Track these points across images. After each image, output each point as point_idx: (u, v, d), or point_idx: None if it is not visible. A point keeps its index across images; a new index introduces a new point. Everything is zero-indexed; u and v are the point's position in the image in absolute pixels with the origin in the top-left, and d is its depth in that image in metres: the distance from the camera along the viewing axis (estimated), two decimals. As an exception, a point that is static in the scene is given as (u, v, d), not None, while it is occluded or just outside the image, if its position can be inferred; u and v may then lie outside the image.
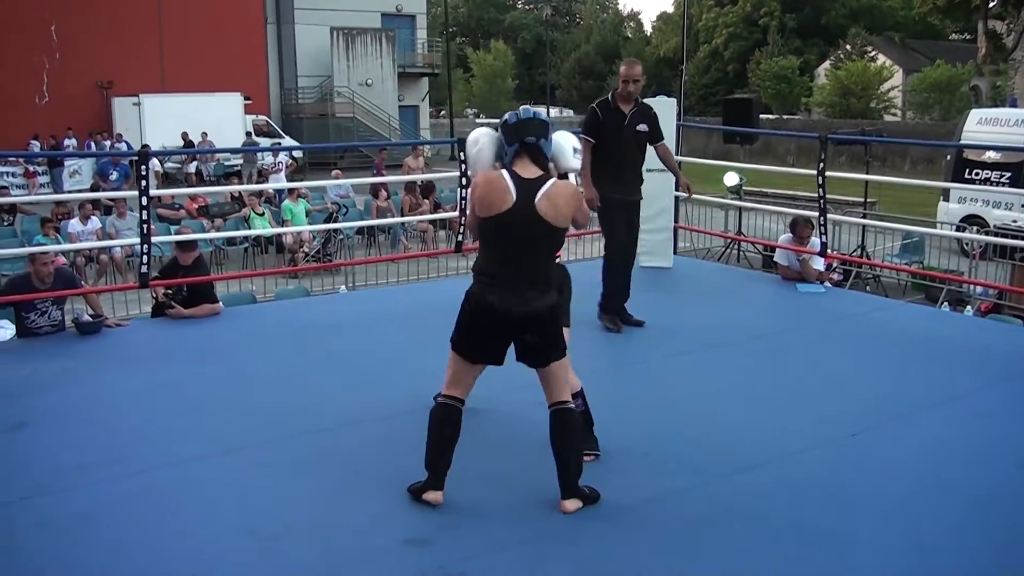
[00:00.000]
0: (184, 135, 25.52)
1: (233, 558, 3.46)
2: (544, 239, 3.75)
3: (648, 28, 70.79)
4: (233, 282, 10.09)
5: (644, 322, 6.59)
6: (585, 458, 3.92)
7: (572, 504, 3.73)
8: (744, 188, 14.65)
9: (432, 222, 14.92)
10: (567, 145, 4.04)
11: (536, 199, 3.67)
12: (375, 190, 16.61)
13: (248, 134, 28.20)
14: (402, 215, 15.14)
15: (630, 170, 6.66)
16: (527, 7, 76.48)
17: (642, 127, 6.57)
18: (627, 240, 6.76)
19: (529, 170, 3.76)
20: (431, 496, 3.77)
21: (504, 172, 3.75)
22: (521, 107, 4.10)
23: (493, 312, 3.69)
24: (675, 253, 9.26)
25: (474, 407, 4.16)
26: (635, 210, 6.81)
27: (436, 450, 3.80)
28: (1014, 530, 3.69)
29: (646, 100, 7.19)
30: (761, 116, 21.73)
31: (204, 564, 3.41)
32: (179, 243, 7.29)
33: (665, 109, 8.59)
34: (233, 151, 26.77)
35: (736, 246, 13.63)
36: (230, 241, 13.88)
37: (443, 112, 50.13)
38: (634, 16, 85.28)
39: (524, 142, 3.77)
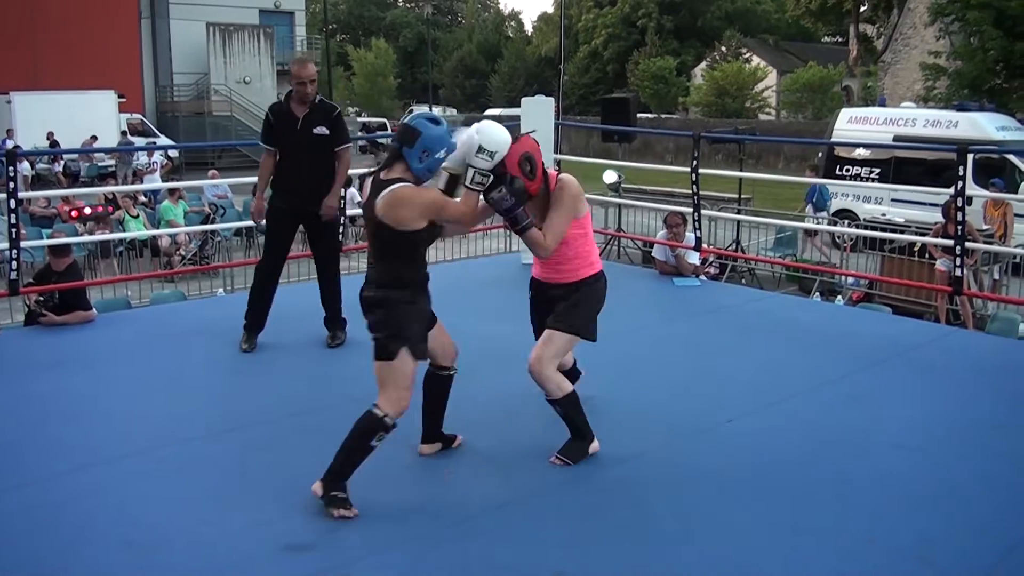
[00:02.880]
0: (49, 135, 24.63)
1: (110, 572, 3.36)
2: (376, 238, 3.84)
3: (529, 28, 71.37)
4: (107, 287, 9.79)
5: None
6: (558, 461, 4.24)
7: (318, 487, 3.80)
8: (623, 185, 14.89)
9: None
10: (472, 144, 3.89)
11: (377, 199, 3.74)
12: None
13: (123, 133, 27.39)
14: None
15: (305, 178, 5.99)
16: (408, 5, 76.16)
17: (320, 130, 5.92)
18: (275, 260, 6.28)
19: (392, 172, 3.79)
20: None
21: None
22: (416, 111, 4.16)
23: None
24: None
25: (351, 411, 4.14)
26: (312, 222, 6.17)
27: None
28: (885, 506, 3.86)
29: (524, 100, 7.19)
30: (639, 115, 22.09)
31: (80, 578, 3.30)
32: (52, 249, 7.03)
33: (543, 108, 8.71)
34: (107, 151, 25.96)
35: (616, 242, 13.85)
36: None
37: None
38: (515, 16, 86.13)
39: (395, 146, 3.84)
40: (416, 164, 3.76)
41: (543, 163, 4.18)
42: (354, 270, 12.52)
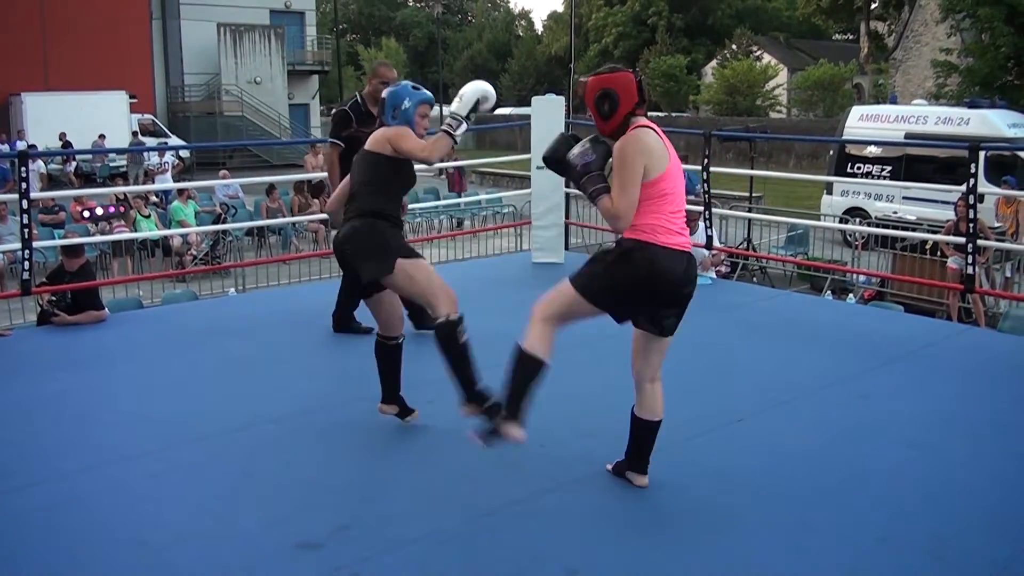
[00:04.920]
0: (62, 135, 24.71)
1: (123, 570, 3.37)
2: (357, 173, 4.37)
3: (539, 27, 71.32)
4: (119, 287, 9.83)
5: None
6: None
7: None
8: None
9: (323, 222, 14.75)
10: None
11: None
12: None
13: (134, 133, 27.48)
14: (292, 215, 14.95)
15: None
16: (418, 4, 76.21)
17: None
18: None
19: None
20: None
21: None
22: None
23: None
24: (567, 249, 9.36)
25: (361, 409, 4.16)
26: None
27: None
28: (897, 504, 3.84)
29: (534, 99, 7.21)
30: (650, 113, 22.01)
31: (93, 577, 3.31)
32: (65, 249, 7.06)
33: (554, 107, 8.71)
34: (118, 151, 26.05)
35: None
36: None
37: (334, 110, 49.52)
38: (525, 15, 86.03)
39: None
40: (391, 120, 4.30)
41: (632, 106, 3.66)
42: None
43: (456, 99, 4.29)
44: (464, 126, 4.25)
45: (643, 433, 3.87)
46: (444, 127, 4.26)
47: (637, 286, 3.61)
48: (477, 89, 4.29)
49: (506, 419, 3.70)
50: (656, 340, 3.81)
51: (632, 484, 3.94)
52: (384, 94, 4.37)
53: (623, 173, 3.55)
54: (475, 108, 4.24)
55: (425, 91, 4.40)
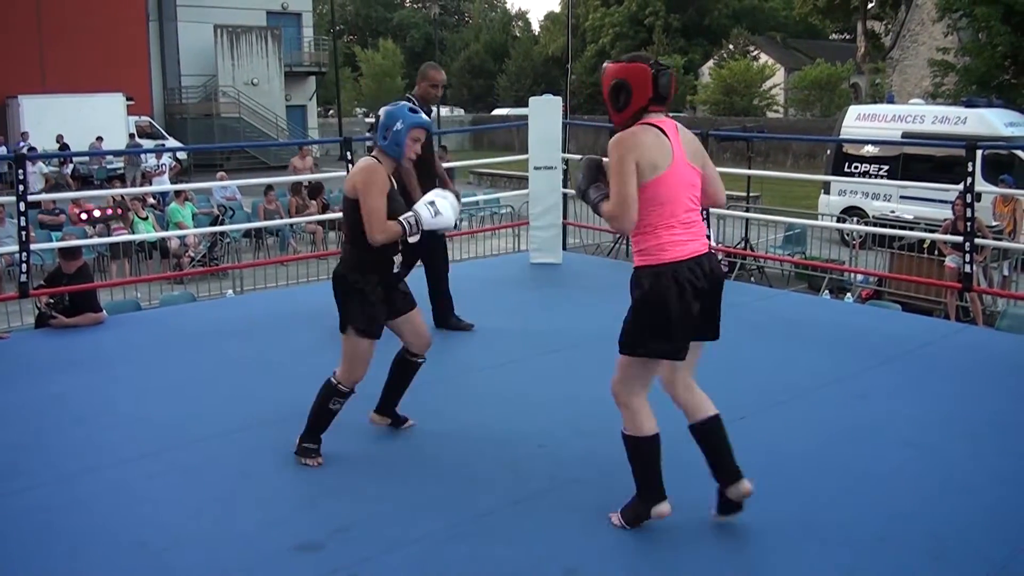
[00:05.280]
0: (59, 138, 24.71)
1: (122, 572, 3.38)
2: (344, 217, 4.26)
3: (536, 27, 71.33)
4: (117, 289, 9.83)
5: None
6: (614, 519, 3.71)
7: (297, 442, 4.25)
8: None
9: (321, 223, 14.76)
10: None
11: None
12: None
13: (131, 135, 27.46)
14: (289, 217, 14.94)
15: (433, 174, 6.32)
16: (415, 5, 76.22)
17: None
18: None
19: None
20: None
21: None
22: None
23: None
24: (564, 249, 9.37)
25: (360, 410, 4.17)
26: None
27: None
28: (896, 504, 3.85)
29: (531, 99, 7.22)
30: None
31: (92, 579, 3.31)
32: (63, 251, 7.06)
33: (551, 107, 8.71)
34: (115, 153, 26.03)
35: (624, 241, 13.83)
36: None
37: (331, 112, 49.59)
38: (522, 15, 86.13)
39: None
40: (382, 141, 4.14)
41: (645, 100, 3.42)
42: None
43: (429, 204, 4.14)
44: (418, 236, 4.12)
45: (708, 437, 3.63)
46: (404, 219, 4.05)
47: (672, 315, 3.41)
48: (436, 218, 4.14)
49: (648, 503, 3.57)
50: (688, 357, 3.59)
51: (737, 499, 3.59)
52: (380, 112, 4.23)
53: (613, 173, 3.40)
54: (437, 212, 4.12)
55: (421, 115, 4.19)
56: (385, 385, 4.55)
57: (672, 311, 3.40)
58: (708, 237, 3.46)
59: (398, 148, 4.11)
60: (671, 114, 3.62)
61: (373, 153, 4.20)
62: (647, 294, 3.42)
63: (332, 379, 4.22)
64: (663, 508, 3.56)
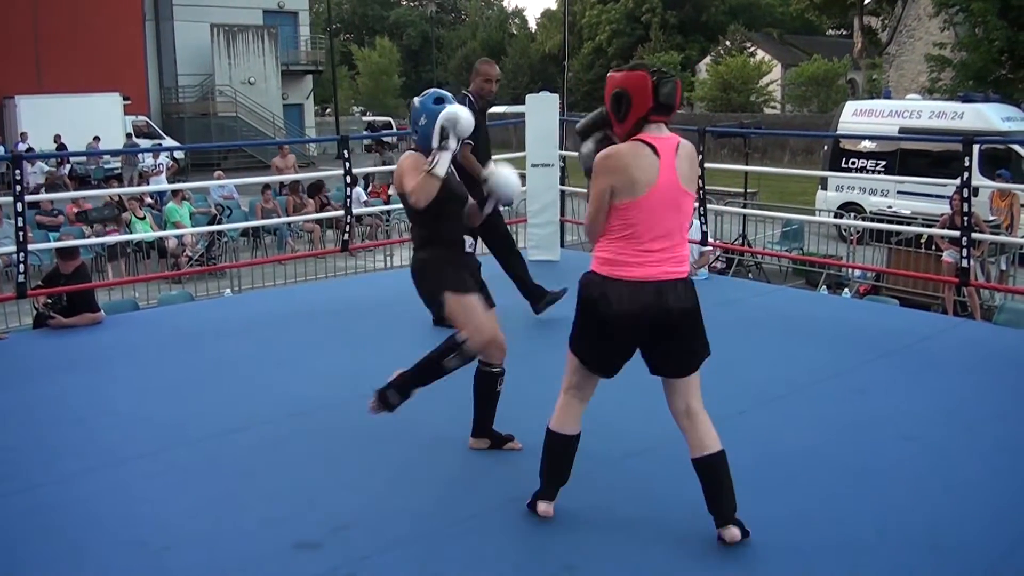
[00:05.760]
0: (56, 138, 24.69)
1: (121, 572, 3.37)
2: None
3: (533, 25, 71.33)
4: (115, 289, 9.83)
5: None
6: None
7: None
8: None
9: (319, 222, 14.76)
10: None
11: None
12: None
13: (128, 135, 27.45)
14: (287, 215, 14.94)
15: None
16: (412, 4, 76.15)
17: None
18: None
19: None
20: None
21: None
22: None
23: None
24: (562, 246, 9.36)
25: (359, 410, 4.16)
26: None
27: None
28: (895, 498, 3.86)
29: (528, 97, 7.22)
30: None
31: (91, 579, 3.31)
32: (60, 251, 7.05)
33: (548, 105, 8.71)
34: (112, 153, 26.01)
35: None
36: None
37: (328, 110, 49.57)
38: (518, 13, 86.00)
39: None
40: (414, 135, 4.15)
41: (645, 111, 3.30)
42: (360, 269, 12.56)
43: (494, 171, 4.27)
44: (439, 159, 3.90)
45: (704, 474, 3.45)
46: (424, 167, 3.94)
47: (596, 327, 3.38)
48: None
49: (537, 497, 3.63)
50: (670, 380, 3.48)
51: (727, 540, 3.43)
52: (413, 103, 4.16)
53: (590, 188, 3.37)
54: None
55: (446, 104, 4.04)
56: (474, 406, 4.31)
57: (592, 325, 3.37)
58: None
59: (425, 142, 4.01)
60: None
61: (412, 147, 4.21)
62: (580, 298, 3.45)
63: (458, 335, 4.04)
64: (544, 507, 3.61)
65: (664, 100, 3.27)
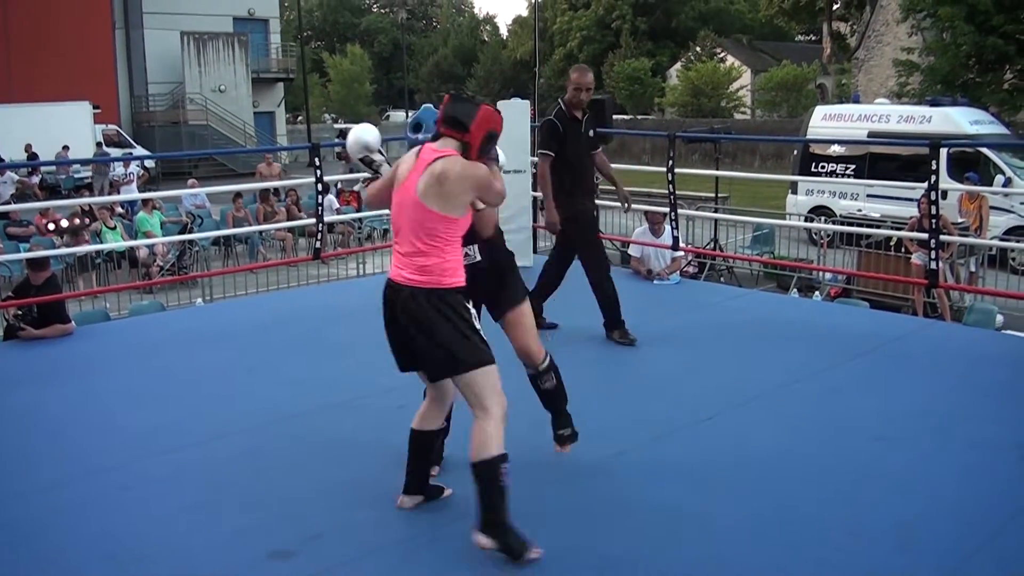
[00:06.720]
0: (27, 147, 24.46)
1: (94, 583, 3.35)
2: None
3: (504, 31, 71.39)
4: (86, 300, 9.74)
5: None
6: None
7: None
8: (600, 187, 14.91)
9: (290, 230, 14.70)
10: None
11: None
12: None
13: (98, 144, 27.22)
14: (258, 224, 14.88)
15: (591, 179, 6.69)
16: (383, 11, 76.08)
17: (592, 133, 6.44)
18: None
19: None
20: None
21: None
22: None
23: None
24: (535, 252, 9.38)
25: (332, 417, 4.15)
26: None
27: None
28: (866, 498, 3.89)
29: (500, 103, 7.23)
30: (616, 116, 22.13)
31: (63, 591, 3.29)
32: (30, 262, 6.99)
33: (519, 111, 8.72)
34: (83, 162, 25.80)
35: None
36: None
37: (300, 118, 49.42)
38: (490, 19, 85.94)
39: None
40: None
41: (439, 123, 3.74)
42: (333, 277, 12.52)
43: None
44: (368, 171, 4.15)
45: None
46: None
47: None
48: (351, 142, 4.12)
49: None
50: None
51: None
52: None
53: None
54: (367, 162, 4.07)
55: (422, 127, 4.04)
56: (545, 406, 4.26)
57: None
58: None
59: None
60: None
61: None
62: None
63: (544, 362, 4.15)
64: (402, 498, 3.83)
65: (445, 115, 3.70)
